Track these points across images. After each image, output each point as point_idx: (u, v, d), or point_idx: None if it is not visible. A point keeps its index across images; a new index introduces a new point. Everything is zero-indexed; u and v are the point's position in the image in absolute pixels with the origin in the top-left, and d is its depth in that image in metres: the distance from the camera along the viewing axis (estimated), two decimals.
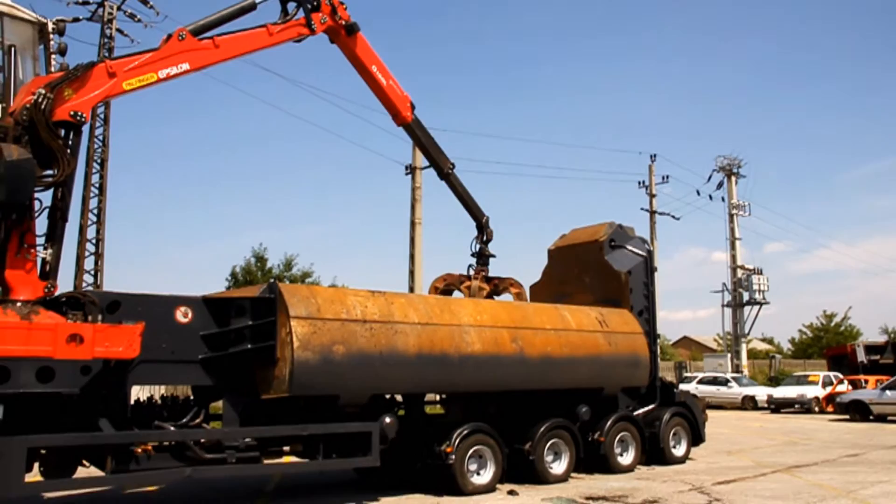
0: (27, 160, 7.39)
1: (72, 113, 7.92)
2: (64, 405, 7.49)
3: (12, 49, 8.36)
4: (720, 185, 44.97)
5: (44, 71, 8.68)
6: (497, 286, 13.33)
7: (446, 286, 13.24)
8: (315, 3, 10.63)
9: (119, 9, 25.96)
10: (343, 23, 11.01)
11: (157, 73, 8.74)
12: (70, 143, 8.04)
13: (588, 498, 10.07)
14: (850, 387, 28.77)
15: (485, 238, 13.40)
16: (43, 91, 7.68)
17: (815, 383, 30.81)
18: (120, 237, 74.95)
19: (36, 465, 7.75)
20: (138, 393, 9.77)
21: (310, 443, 9.12)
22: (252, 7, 9.87)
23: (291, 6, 10.45)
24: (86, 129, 8.59)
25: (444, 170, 12.94)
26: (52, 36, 8.74)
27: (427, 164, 30.76)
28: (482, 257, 13.40)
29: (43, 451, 7.68)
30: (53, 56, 8.75)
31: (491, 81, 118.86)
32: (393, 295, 10.15)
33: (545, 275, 14.64)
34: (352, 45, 11.36)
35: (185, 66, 8.98)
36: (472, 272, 13.35)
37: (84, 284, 24.56)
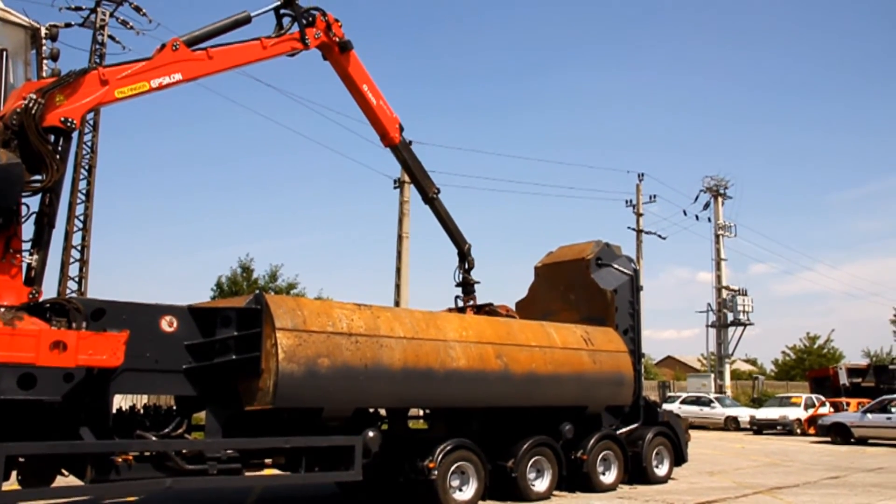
0: (15, 164, 7.37)
1: (62, 119, 7.92)
2: (45, 413, 7.43)
3: (4, 53, 8.35)
4: (707, 206, 45.37)
5: (35, 76, 8.67)
6: (488, 314, 13.19)
7: None
8: (310, 19, 10.68)
9: (111, 15, 25.91)
10: (337, 40, 11.06)
11: (149, 83, 8.75)
12: (59, 148, 8.02)
13: None
14: (831, 409, 28.91)
15: (467, 266, 13.24)
16: (34, 96, 7.67)
17: (797, 405, 30.97)
18: (105, 245, 74.51)
19: (14, 474, 7.67)
20: (121, 402, 9.69)
21: (292, 455, 9.07)
22: (247, 20, 9.91)
23: (286, 20, 10.49)
24: (74, 135, 8.56)
25: (429, 194, 12.87)
26: (44, 41, 8.74)
27: None
28: (467, 286, 13.25)
29: (21, 459, 7.62)
30: (45, 61, 8.75)
31: (476, 96, 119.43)
32: (379, 309, 10.14)
33: (531, 292, 14.67)
34: (344, 63, 11.39)
35: (178, 77, 8.99)
36: (459, 303, 13.25)
37: (68, 291, 24.38)
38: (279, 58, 10.44)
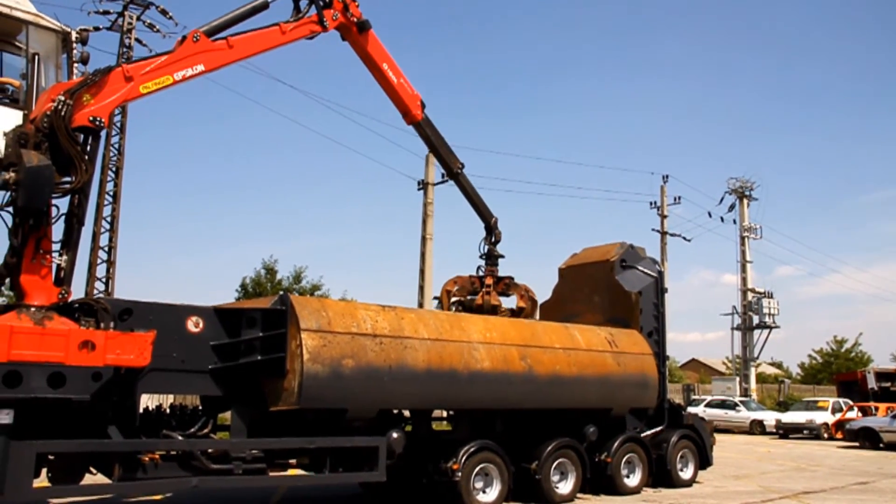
0: (46, 166, 7.46)
1: (91, 118, 7.99)
2: (74, 411, 7.52)
3: (36, 57, 8.46)
4: (732, 208, 44.81)
5: (66, 80, 8.76)
6: (507, 286, 13.30)
7: (458, 290, 13.23)
8: (327, 0, 10.64)
9: (138, 19, 26.24)
10: (355, 20, 11.01)
11: (172, 76, 8.78)
12: (89, 148, 8.10)
13: None
14: (859, 413, 28.50)
15: (493, 239, 13.43)
16: (62, 98, 7.74)
17: (824, 409, 30.57)
18: (129, 243, 75.39)
19: (44, 471, 7.76)
20: (147, 401, 9.78)
21: (316, 456, 9.10)
22: (264, 6, 9.88)
23: (303, 4, 10.43)
24: (102, 135, 8.64)
25: (454, 169, 12.98)
26: (75, 45, 8.83)
27: (440, 180, 30.87)
28: (491, 258, 13.42)
29: (51, 457, 7.70)
30: (76, 65, 8.84)
31: (502, 97, 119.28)
32: (403, 310, 10.16)
33: (555, 293, 14.63)
34: (363, 43, 11.36)
35: (201, 68, 9.01)
36: (481, 273, 13.37)
37: (95, 291, 24.67)
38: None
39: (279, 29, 9.99)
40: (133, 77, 8.45)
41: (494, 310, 12.96)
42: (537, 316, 13.68)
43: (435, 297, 13.62)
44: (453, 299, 13.20)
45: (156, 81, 8.65)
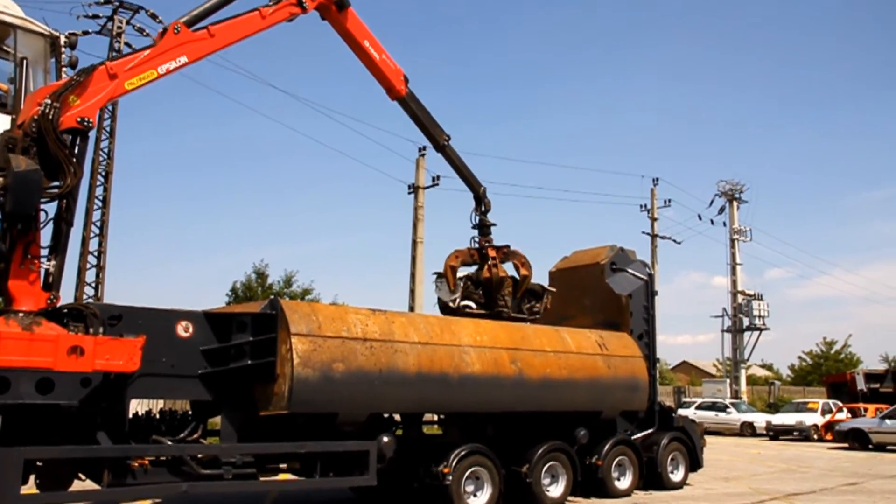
0: (34, 171, 7.42)
1: (79, 119, 7.93)
2: (62, 417, 7.49)
3: (24, 62, 8.42)
4: (722, 210, 45.06)
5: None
6: (506, 255, 13.25)
7: (461, 264, 13.16)
8: None
9: (128, 23, 26.17)
10: None
11: (157, 70, 8.70)
12: (77, 150, 8.05)
13: None
14: (849, 415, 28.66)
15: (483, 209, 13.37)
16: (49, 101, 7.70)
17: (814, 411, 30.72)
18: (119, 248, 75.02)
19: (32, 478, 7.72)
20: (137, 406, 9.75)
21: (307, 460, 9.09)
22: None
23: None
24: (91, 141, 8.59)
25: (440, 142, 12.90)
26: (63, 49, 8.79)
27: (430, 183, 30.81)
28: (483, 227, 13.37)
29: (39, 464, 7.67)
30: (64, 69, 8.80)
31: (492, 100, 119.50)
32: (394, 314, 10.16)
33: None
34: (343, 21, 11.22)
35: (184, 59, 8.92)
36: (475, 243, 13.30)
37: (84, 297, 24.57)
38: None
39: (259, 14, 9.84)
40: (117, 74, 8.38)
41: (502, 282, 12.92)
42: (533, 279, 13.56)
43: (435, 273, 13.45)
44: (460, 274, 13.11)
45: (140, 76, 8.57)
